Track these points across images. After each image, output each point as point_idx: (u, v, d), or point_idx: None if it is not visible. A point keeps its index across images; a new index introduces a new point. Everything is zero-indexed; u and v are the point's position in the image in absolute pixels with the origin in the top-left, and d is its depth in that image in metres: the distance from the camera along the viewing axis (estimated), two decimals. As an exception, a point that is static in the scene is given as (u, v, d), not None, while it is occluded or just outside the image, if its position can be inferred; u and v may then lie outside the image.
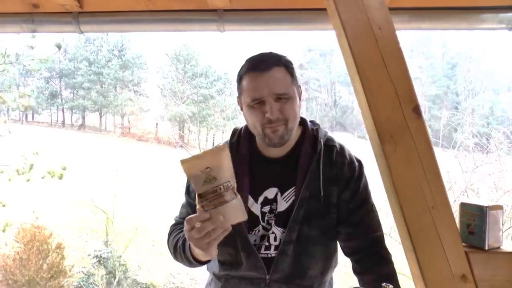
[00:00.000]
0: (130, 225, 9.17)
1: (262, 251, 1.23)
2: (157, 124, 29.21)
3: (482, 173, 5.44)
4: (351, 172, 1.23)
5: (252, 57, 1.21)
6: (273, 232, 1.22)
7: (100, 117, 31.31)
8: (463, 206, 1.22)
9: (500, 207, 1.18)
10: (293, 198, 1.21)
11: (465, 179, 5.33)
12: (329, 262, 1.28)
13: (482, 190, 5.43)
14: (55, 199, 11.41)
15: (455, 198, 4.93)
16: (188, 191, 1.33)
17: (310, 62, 37.74)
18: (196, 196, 0.93)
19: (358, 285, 1.20)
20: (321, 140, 1.24)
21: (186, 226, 0.96)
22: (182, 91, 25.87)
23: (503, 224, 1.22)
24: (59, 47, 6.06)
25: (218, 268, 1.28)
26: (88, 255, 7.84)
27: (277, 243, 1.22)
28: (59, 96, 31.74)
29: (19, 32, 1.79)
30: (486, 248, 1.16)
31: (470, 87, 34.05)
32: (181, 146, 10.40)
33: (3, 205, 5.95)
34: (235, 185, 0.94)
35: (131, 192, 11.93)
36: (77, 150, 18.03)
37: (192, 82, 27.64)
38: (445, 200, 1.15)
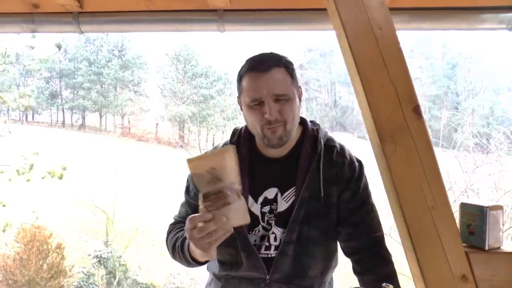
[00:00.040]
0: (130, 225, 9.17)
1: (262, 251, 1.23)
2: (157, 124, 29.21)
3: (482, 173, 5.44)
4: (351, 172, 1.23)
5: (253, 57, 1.21)
6: (273, 232, 1.22)
7: (100, 117, 31.31)
8: (463, 206, 1.22)
9: (500, 207, 1.18)
10: (293, 198, 1.21)
11: (465, 179, 5.33)
12: (329, 262, 1.28)
13: (482, 191, 5.43)
14: (55, 199, 11.41)
15: (455, 198, 4.93)
16: (188, 190, 1.33)
17: (310, 62, 37.74)
18: (200, 195, 0.93)
19: (358, 285, 1.20)
20: (322, 140, 1.24)
21: (188, 225, 0.96)
22: (182, 91, 25.87)
23: (503, 225, 1.22)
24: (59, 47, 6.06)
25: (218, 268, 1.28)
26: (88, 255, 7.84)
27: (277, 243, 1.22)
28: (59, 96, 31.74)
29: (19, 32, 1.79)
30: (486, 248, 1.16)
31: (470, 87, 34.05)
32: (181, 146, 10.41)
33: (3, 205, 5.95)
34: (240, 187, 0.94)
35: (131, 192, 11.93)
36: (77, 150, 18.03)
37: (192, 82, 27.64)
38: (445, 200, 1.15)
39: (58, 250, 6.34)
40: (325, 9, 1.28)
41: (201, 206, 0.93)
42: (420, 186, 1.14)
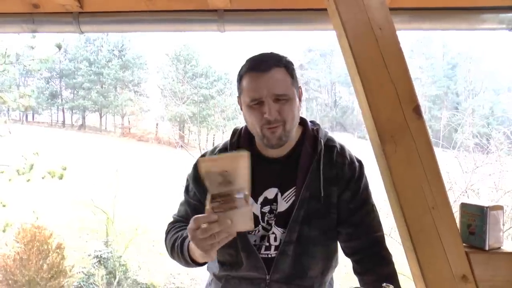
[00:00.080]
0: (130, 225, 9.16)
1: (262, 251, 1.22)
2: (157, 124, 29.21)
3: (483, 174, 5.44)
4: (352, 172, 1.23)
5: (253, 57, 1.21)
6: (273, 233, 1.22)
7: (100, 117, 31.32)
8: (464, 206, 1.22)
9: (500, 208, 1.18)
10: (293, 198, 1.21)
11: (466, 179, 5.33)
12: (329, 262, 1.28)
13: (482, 191, 5.43)
14: (55, 199, 11.41)
15: (455, 198, 4.93)
16: (187, 190, 1.33)
17: (310, 62, 37.74)
18: (208, 196, 0.93)
19: (358, 285, 1.20)
20: (322, 140, 1.24)
21: (192, 225, 0.96)
22: (182, 91, 25.88)
23: (503, 225, 1.22)
24: (59, 47, 6.05)
25: (218, 269, 1.28)
26: (88, 255, 7.83)
27: (277, 243, 1.22)
28: (59, 96, 31.74)
29: (19, 32, 1.79)
30: (487, 248, 1.16)
31: (471, 88, 34.05)
32: (181, 146, 10.41)
33: (3, 205, 5.95)
34: (249, 194, 0.94)
35: (131, 192, 11.92)
36: (77, 150, 18.03)
37: (192, 82, 27.64)
38: (445, 201, 1.15)
39: (58, 250, 6.34)
40: (325, 9, 1.28)
41: (207, 207, 0.93)
42: (420, 186, 1.14)
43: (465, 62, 34.35)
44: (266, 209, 1.23)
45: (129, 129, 30.09)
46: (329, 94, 39.03)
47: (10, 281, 5.89)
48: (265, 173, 1.24)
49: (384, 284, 0.96)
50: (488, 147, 6.04)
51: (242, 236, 1.19)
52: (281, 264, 1.20)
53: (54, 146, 16.54)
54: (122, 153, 19.24)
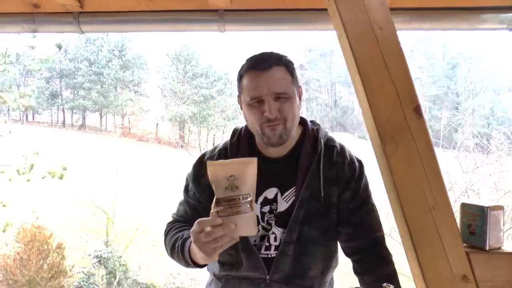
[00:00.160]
0: (130, 225, 9.16)
1: (262, 251, 1.22)
2: (157, 124, 29.20)
3: (483, 174, 5.45)
4: (352, 172, 1.23)
5: (253, 56, 1.21)
6: (273, 233, 1.22)
7: (101, 117, 31.32)
8: (464, 206, 1.22)
9: (501, 208, 1.18)
10: (293, 198, 1.21)
11: (466, 179, 5.33)
12: (329, 262, 1.28)
13: (482, 191, 5.44)
14: (56, 199, 11.41)
15: (456, 198, 4.93)
16: (187, 190, 1.33)
17: (311, 62, 37.73)
18: (214, 200, 0.93)
19: (358, 285, 1.20)
20: (322, 140, 1.24)
21: (195, 228, 0.96)
22: (183, 91, 25.87)
23: (504, 225, 1.22)
24: (59, 47, 6.06)
25: (218, 269, 1.28)
26: (89, 255, 7.83)
27: (277, 243, 1.22)
28: (60, 96, 31.75)
29: (19, 32, 1.79)
30: (487, 248, 1.16)
31: (471, 88, 34.04)
32: (182, 146, 10.41)
33: (4, 205, 5.95)
34: (254, 199, 0.95)
35: (132, 192, 11.93)
36: (77, 150, 18.03)
37: (192, 82, 27.63)
38: (446, 201, 1.15)
39: (58, 250, 6.34)
40: (325, 9, 1.29)
41: (212, 210, 0.93)
42: (420, 186, 1.14)
43: (465, 62, 34.34)
44: (266, 209, 1.23)
45: (129, 129, 30.09)
46: (329, 94, 39.02)
47: (10, 281, 5.89)
48: (265, 173, 1.23)
49: (384, 284, 0.96)
50: (488, 147, 6.04)
51: (242, 236, 1.19)
52: (281, 264, 1.20)
53: (54, 146, 16.55)
54: (122, 153, 19.25)
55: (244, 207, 0.93)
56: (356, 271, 1.26)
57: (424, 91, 31.97)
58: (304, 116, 1.31)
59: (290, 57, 1.21)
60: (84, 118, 31.50)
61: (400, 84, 1.15)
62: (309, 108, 36.82)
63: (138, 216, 10.48)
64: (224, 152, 1.28)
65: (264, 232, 1.23)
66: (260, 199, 1.23)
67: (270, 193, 1.23)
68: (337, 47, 1.27)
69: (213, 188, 0.93)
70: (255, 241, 1.23)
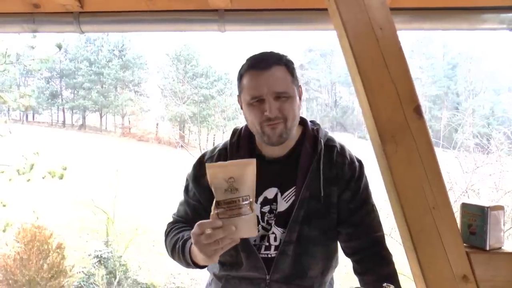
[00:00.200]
0: (130, 225, 9.16)
1: (262, 251, 1.22)
2: (157, 124, 29.20)
3: (483, 174, 5.45)
4: (352, 172, 1.23)
5: (253, 55, 1.21)
6: (273, 232, 1.22)
7: (101, 117, 31.32)
8: (464, 206, 1.22)
9: (501, 208, 1.18)
10: (293, 198, 1.21)
11: (466, 179, 5.33)
12: (329, 262, 1.28)
13: (482, 191, 5.43)
14: (56, 199, 11.41)
15: (456, 198, 4.93)
16: (187, 190, 1.33)
17: (311, 62, 37.73)
18: (214, 202, 0.93)
19: (358, 285, 1.20)
20: (322, 140, 1.24)
21: (196, 230, 0.96)
22: (183, 91, 25.88)
23: (504, 225, 1.22)
24: (59, 47, 6.06)
25: (218, 269, 1.28)
26: (89, 255, 7.83)
27: (277, 243, 1.22)
28: (60, 96, 31.75)
29: (20, 32, 1.79)
30: (487, 248, 1.16)
31: (471, 88, 34.04)
32: (182, 146, 10.41)
33: (4, 205, 5.96)
34: (254, 200, 0.95)
35: (132, 192, 11.93)
36: (77, 150, 18.03)
37: (192, 82, 27.63)
38: (446, 201, 1.15)
39: (58, 250, 6.34)
40: (325, 9, 1.28)
41: (212, 212, 0.93)
42: (421, 186, 1.14)
43: (465, 62, 34.34)
44: (266, 209, 1.23)
45: (129, 129, 30.08)
46: (329, 94, 39.02)
47: (10, 281, 5.89)
48: (265, 173, 1.23)
49: (384, 284, 0.96)
50: (488, 147, 6.04)
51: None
52: (281, 264, 1.20)
53: (54, 146, 16.55)
54: (122, 153, 19.25)
55: (244, 209, 0.92)
56: (356, 271, 1.26)
57: (424, 91, 31.97)
58: (304, 116, 1.31)
59: (290, 57, 1.21)
60: (84, 118, 31.50)
61: (400, 84, 1.15)
62: (309, 108, 36.82)
63: (138, 216, 10.49)
64: (224, 152, 1.28)
65: (264, 232, 1.23)
66: (260, 199, 1.23)
67: (270, 193, 1.23)
68: (337, 47, 1.27)
69: (213, 190, 0.93)
70: (255, 241, 1.23)
